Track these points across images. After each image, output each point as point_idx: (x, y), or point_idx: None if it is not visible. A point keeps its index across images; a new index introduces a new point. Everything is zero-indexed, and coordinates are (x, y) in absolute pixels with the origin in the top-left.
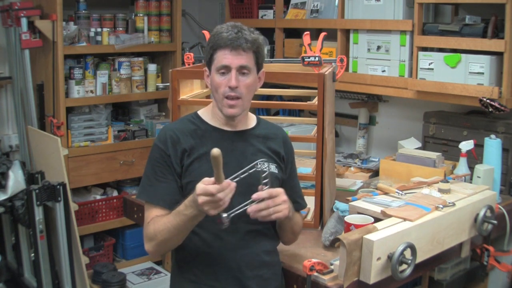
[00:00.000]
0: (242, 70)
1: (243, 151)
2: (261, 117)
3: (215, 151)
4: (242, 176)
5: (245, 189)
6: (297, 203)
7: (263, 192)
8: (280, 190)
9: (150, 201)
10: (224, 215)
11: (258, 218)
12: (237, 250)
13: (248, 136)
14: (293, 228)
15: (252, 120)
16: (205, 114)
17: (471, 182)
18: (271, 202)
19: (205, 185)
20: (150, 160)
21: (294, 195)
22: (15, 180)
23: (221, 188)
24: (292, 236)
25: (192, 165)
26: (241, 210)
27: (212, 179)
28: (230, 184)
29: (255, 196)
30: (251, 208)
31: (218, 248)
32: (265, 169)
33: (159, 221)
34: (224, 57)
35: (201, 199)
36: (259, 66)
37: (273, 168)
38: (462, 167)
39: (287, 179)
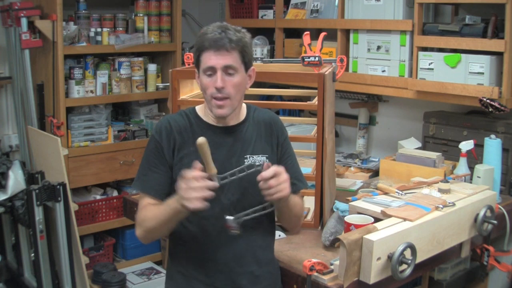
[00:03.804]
0: (227, 70)
1: (232, 145)
2: (250, 102)
3: (201, 139)
4: (232, 178)
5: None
6: (294, 185)
7: (268, 171)
8: (281, 169)
9: (142, 190)
10: (229, 217)
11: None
12: (225, 245)
13: (238, 131)
14: (293, 210)
15: (243, 112)
16: (201, 110)
17: (471, 182)
18: (274, 181)
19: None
20: (146, 150)
21: (291, 176)
22: (15, 180)
23: (200, 176)
24: (296, 219)
25: (182, 160)
26: (249, 216)
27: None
28: (212, 178)
29: (259, 178)
30: (263, 187)
31: (207, 243)
32: (258, 166)
33: (149, 209)
34: (209, 59)
35: (181, 184)
36: (246, 65)
37: (264, 160)
38: (462, 167)
39: (281, 159)
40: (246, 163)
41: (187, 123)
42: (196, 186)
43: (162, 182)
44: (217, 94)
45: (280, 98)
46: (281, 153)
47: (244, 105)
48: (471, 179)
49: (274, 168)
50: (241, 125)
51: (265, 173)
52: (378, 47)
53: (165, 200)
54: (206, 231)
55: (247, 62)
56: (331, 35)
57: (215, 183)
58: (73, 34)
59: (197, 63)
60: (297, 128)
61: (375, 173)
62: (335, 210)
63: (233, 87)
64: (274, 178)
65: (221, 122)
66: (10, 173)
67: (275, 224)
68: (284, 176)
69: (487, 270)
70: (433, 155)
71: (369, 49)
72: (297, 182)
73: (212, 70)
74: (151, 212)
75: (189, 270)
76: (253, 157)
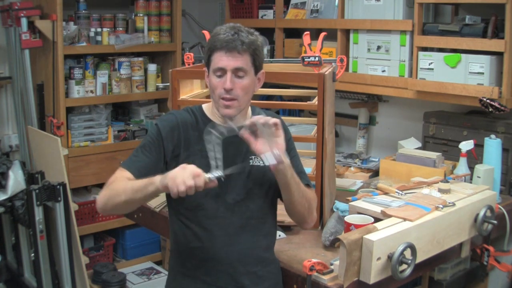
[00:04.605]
0: (237, 72)
1: (238, 146)
2: (255, 102)
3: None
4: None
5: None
6: None
7: (253, 117)
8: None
9: (127, 167)
10: (212, 175)
11: (268, 127)
12: (229, 245)
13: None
14: (300, 189)
15: (249, 114)
16: (208, 109)
17: (471, 182)
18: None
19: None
20: (146, 136)
21: None
22: (15, 180)
23: (198, 176)
24: (305, 203)
25: (188, 159)
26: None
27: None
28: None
29: (250, 122)
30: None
31: (210, 243)
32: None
33: (124, 180)
34: (220, 59)
35: (180, 172)
36: (257, 68)
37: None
38: (462, 167)
39: None
40: (251, 163)
41: (194, 121)
42: (188, 185)
43: (148, 167)
44: (225, 95)
45: (280, 98)
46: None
47: (249, 107)
48: (471, 179)
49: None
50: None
51: (252, 119)
52: (378, 47)
53: None
54: (210, 231)
55: (257, 65)
56: (331, 35)
57: (211, 182)
58: (73, 34)
59: (207, 62)
60: (297, 128)
61: (375, 173)
62: (335, 210)
63: (241, 89)
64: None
65: (227, 123)
66: (10, 173)
67: (276, 225)
68: (266, 117)
69: (487, 270)
70: (433, 155)
71: (369, 49)
72: (301, 179)
73: (222, 71)
74: (124, 181)
75: (191, 270)
76: (257, 158)
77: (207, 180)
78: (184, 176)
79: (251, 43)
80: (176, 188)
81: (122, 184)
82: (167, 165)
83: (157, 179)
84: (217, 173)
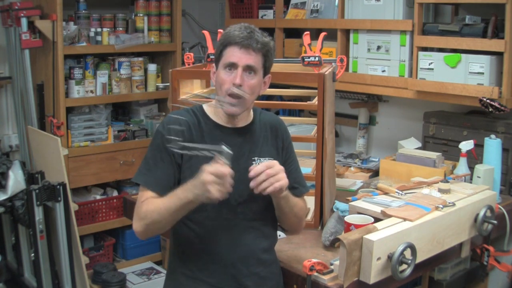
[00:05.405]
0: (248, 70)
1: (241, 147)
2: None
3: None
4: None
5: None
6: (294, 189)
7: (260, 165)
8: (274, 161)
9: (145, 185)
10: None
11: (261, 192)
12: (232, 247)
13: (247, 132)
14: (293, 210)
15: (251, 114)
16: (209, 109)
17: (471, 182)
18: (270, 171)
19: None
20: (152, 145)
21: (291, 180)
22: (15, 180)
23: (232, 173)
24: (296, 219)
25: (191, 161)
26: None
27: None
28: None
29: (252, 173)
30: (252, 183)
31: (213, 245)
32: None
33: (152, 203)
34: (232, 54)
35: (210, 177)
36: (266, 70)
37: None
38: (462, 167)
39: (285, 163)
40: (253, 164)
41: (195, 121)
42: (226, 182)
43: (166, 178)
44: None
45: (280, 98)
46: (285, 157)
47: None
48: (471, 179)
49: (265, 163)
50: (250, 126)
51: (257, 168)
52: (378, 47)
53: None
54: (213, 232)
55: (266, 67)
56: (331, 35)
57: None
58: (73, 34)
59: (218, 57)
60: (297, 128)
61: (375, 173)
62: (335, 210)
63: (249, 87)
64: (270, 169)
65: (230, 123)
66: (10, 173)
67: (277, 226)
68: (279, 166)
69: (487, 270)
70: (433, 155)
71: (369, 49)
72: (299, 186)
73: (233, 66)
74: (154, 204)
75: (194, 271)
76: (260, 159)
77: (226, 164)
78: (212, 179)
79: (265, 44)
80: (217, 194)
81: (154, 208)
82: (180, 169)
83: (188, 194)
84: (223, 152)
